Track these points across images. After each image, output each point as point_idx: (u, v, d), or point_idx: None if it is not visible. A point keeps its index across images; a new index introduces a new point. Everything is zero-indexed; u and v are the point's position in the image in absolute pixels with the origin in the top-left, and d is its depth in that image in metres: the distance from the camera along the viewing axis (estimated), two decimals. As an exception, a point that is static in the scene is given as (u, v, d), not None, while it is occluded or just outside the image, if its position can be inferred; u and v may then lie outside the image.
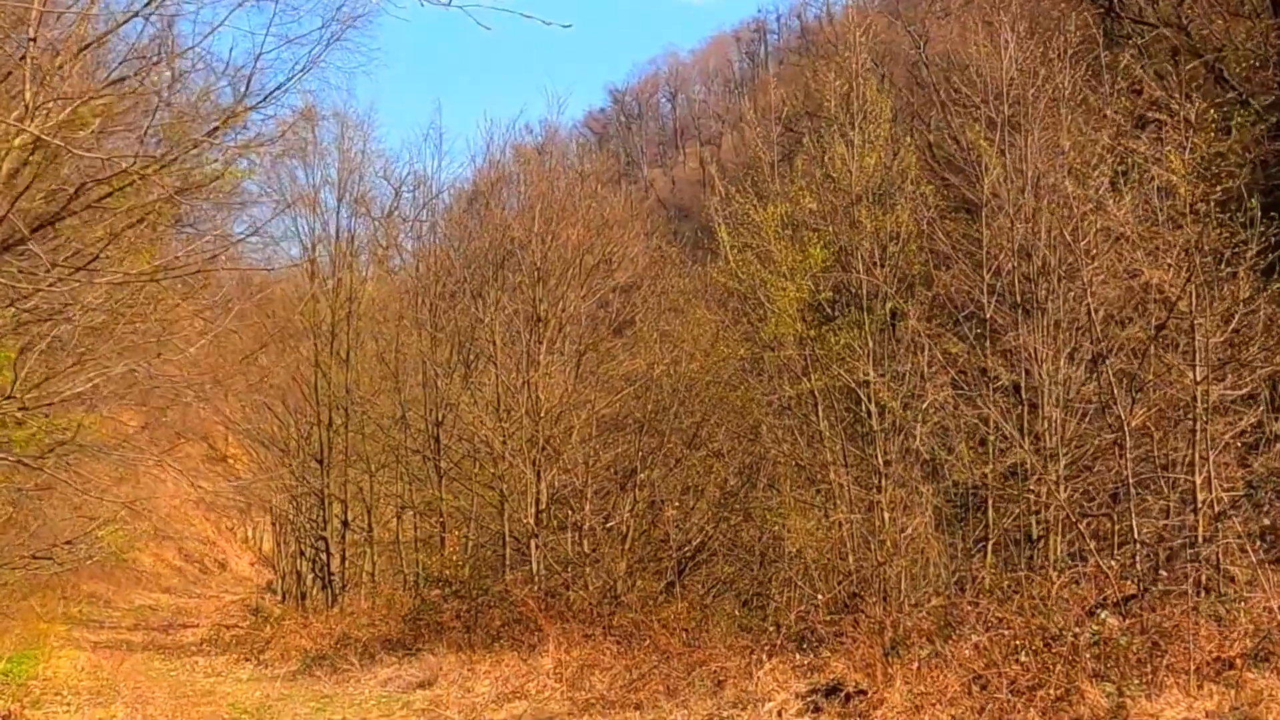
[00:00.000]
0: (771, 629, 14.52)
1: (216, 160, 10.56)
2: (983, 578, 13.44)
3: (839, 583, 15.50)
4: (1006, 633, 11.34)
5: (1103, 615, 11.73)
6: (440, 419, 29.39)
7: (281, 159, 28.52)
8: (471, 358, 30.00)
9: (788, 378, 19.04)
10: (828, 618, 13.53)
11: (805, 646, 13.42)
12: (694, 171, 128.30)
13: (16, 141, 10.30)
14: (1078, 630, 11.29)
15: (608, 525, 24.71)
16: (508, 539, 25.73)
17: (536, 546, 24.95)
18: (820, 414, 18.59)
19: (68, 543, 19.04)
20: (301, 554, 35.83)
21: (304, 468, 31.79)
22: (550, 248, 26.17)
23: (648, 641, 15.41)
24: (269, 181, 30.48)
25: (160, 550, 45.85)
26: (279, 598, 37.54)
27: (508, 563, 25.64)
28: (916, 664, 11.41)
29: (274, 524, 40.63)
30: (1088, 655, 10.93)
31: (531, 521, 24.97)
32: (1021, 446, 15.15)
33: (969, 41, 19.08)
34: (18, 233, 10.75)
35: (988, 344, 17.41)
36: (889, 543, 15.74)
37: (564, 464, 25.67)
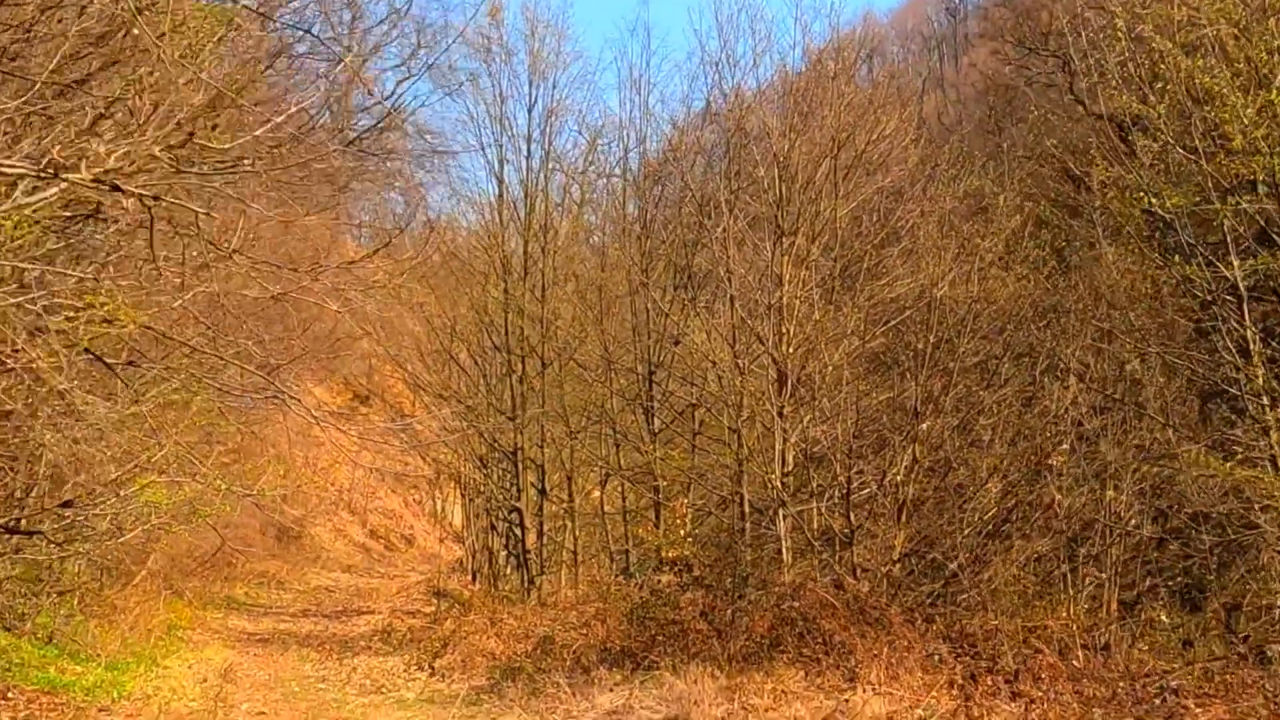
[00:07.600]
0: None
1: None
2: None
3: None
4: None
5: None
6: (656, 360, 23.92)
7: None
8: (696, 285, 24.38)
9: (1202, 258, 12.75)
10: None
11: None
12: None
13: None
14: None
15: (881, 487, 18.90)
16: (747, 509, 20.13)
17: (785, 518, 19.35)
18: (1247, 317, 12.33)
19: (65, 504, 12.93)
20: (493, 528, 30.76)
21: (493, 426, 26.65)
22: (799, 138, 20.39)
23: (1044, 675, 9.38)
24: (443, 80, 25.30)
25: (342, 524, 41.60)
26: (469, 578, 32.62)
27: (746, 539, 20.09)
28: None
29: (463, 494, 35.73)
30: None
31: (778, 485, 19.36)
32: None
33: None
34: None
35: None
36: None
37: (819, 412, 19.96)
